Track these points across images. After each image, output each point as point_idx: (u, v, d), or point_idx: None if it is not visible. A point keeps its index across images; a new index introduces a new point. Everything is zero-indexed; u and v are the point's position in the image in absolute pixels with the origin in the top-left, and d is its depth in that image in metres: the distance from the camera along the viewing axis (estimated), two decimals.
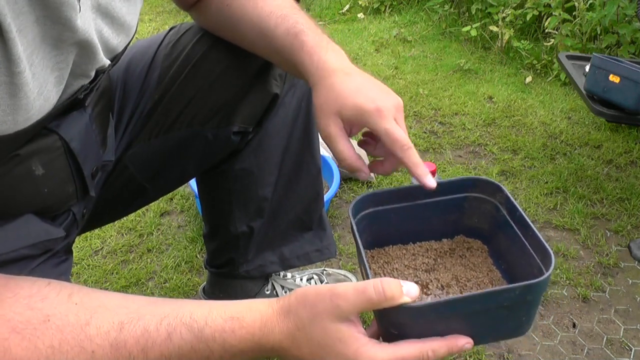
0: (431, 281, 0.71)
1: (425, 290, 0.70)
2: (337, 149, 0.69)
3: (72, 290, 0.56)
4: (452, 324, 0.55)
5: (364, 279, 0.59)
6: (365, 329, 0.56)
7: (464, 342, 0.55)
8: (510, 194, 0.68)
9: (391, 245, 0.77)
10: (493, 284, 0.71)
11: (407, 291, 0.53)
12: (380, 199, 0.72)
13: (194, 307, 0.56)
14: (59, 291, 0.55)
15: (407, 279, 0.70)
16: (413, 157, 0.66)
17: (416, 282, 0.70)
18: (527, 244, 0.65)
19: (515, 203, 0.67)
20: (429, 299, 0.67)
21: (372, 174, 1.65)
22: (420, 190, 0.71)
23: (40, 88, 0.53)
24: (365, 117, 0.67)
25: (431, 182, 0.66)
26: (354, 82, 0.69)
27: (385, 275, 0.72)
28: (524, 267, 0.65)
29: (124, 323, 0.54)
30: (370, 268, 0.70)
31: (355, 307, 0.53)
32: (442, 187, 0.72)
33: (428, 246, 0.77)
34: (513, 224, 0.68)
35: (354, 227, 0.67)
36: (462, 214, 0.75)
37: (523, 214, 0.66)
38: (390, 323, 0.56)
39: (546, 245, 0.60)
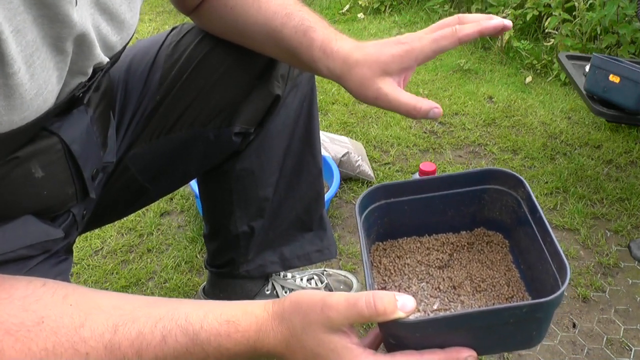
0: (443, 280, 0.68)
1: (436, 291, 0.67)
2: (402, 102, 0.69)
3: (68, 291, 0.55)
4: (453, 337, 0.53)
5: (365, 281, 0.59)
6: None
7: (466, 354, 0.53)
8: (531, 191, 0.66)
9: (405, 238, 0.74)
10: (509, 285, 0.67)
11: (402, 305, 0.51)
12: (392, 191, 0.70)
13: (189, 309, 0.56)
14: (54, 292, 0.55)
15: (417, 276, 0.69)
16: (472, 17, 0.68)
17: (427, 282, 0.68)
18: (545, 249, 0.62)
19: (536, 203, 0.64)
20: (437, 302, 0.65)
21: (371, 175, 1.65)
22: (434, 183, 0.69)
23: (40, 89, 0.53)
24: (412, 55, 0.69)
25: (504, 21, 0.67)
26: (372, 45, 0.71)
27: (395, 272, 0.70)
28: (541, 272, 0.62)
29: (119, 325, 0.54)
30: (371, 272, 0.67)
31: (346, 319, 0.52)
32: (460, 179, 0.70)
33: (445, 239, 0.74)
34: (533, 225, 0.65)
35: (360, 226, 0.65)
36: (483, 206, 0.72)
37: (543, 216, 0.63)
38: (388, 333, 0.55)
39: (563, 256, 0.57)
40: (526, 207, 0.67)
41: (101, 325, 0.53)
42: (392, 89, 0.69)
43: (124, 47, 0.69)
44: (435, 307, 0.65)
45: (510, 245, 0.72)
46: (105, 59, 0.64)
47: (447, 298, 0.66)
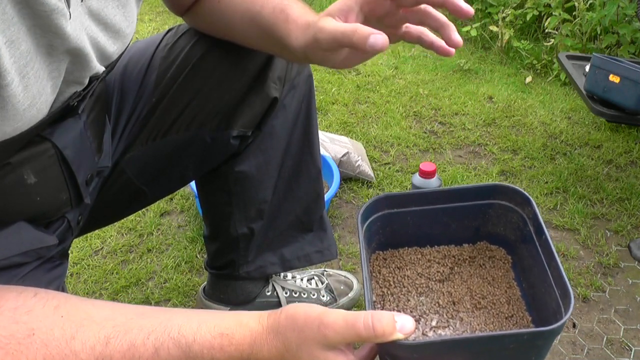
0: (443, 294, 0.67)
1: (435, 306, 0.66)
2: (327, 29, 0.63)
3: (59, 302, 0.55)
4: (451, 357, 0.53)
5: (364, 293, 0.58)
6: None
7: None
8: (538, 211, 0.65)
9: (406, 248, 0.73)
10: (510, 303, 0.66)
11: (400, 327, 0.51)
12: (396, 202, 0.70)
13: (183, 320, 0.56)
14: (45, 303, 0.54)
15: (417, 289, 0.68)
16: None
17: (427, 295, 0.67)
18: (549, 272, 0.61)
19: (543, 223, 0.63)
20: (435, 318, 0.65)
21: (371, 175, 1.65)
22: (440, 195, 0.69)
23: (33, 100, 0.52)
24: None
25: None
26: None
27: (394, 284, 0.69)
28: (543, 294, 0.61)
29: (110, 337, 0.53)
30: (370, 284, 0.66)
31: (343, 339, 0.52)
32: (466, 193, 0.69)
33: (446, 251, 0.73)
34: (538, 245, 0.64)
35: (361, 238, 0.64)
36: (487, 220, 0.71)
37: (549, 239, 0.62)
38: (385, 352, 0.54)
39: (568, 283, 0.56)
40: (532, 226, 0.66)
41: (93, 337, 0.53)
42: (330, 22, 0.63)
43: (121, 55, 0.68)
44: (434, 323, 0.65)
45: (512, 262, 0.71)
46: (102, 69, 0.63)
47: (446, 314, 0.65)
